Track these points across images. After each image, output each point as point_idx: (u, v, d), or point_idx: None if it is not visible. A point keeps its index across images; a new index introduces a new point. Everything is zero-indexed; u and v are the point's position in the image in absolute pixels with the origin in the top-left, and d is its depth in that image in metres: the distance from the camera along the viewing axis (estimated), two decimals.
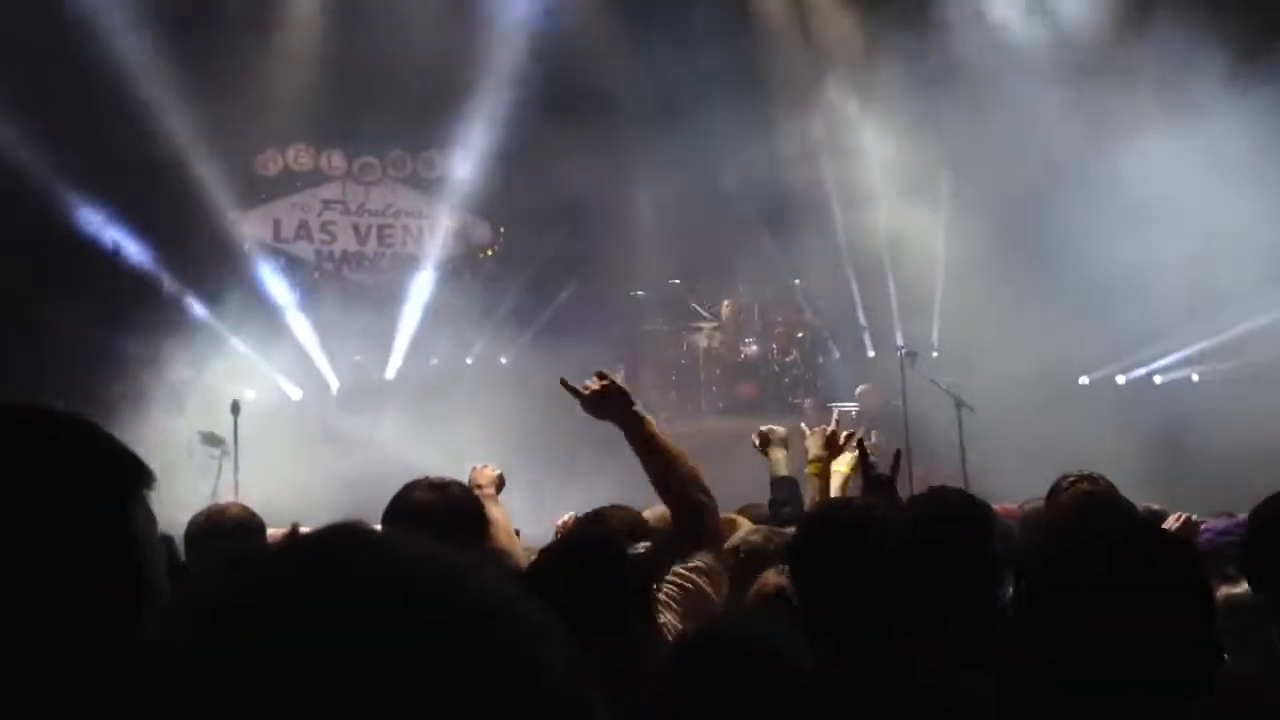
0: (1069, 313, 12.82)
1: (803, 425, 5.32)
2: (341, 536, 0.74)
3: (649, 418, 3.52)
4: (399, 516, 3.24)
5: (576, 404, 3.54)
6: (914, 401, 11.66)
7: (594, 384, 3.54)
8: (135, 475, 1.07)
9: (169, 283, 12.53)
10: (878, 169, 14.29)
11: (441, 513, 3.29)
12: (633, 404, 3.44)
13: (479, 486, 4.10)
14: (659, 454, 3.39)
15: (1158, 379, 13.82)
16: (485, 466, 4.35)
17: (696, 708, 1.92)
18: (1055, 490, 4.19)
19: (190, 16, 12.45)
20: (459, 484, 3.59)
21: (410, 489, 3.40)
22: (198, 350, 11.89)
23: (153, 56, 11.95)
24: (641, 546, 3.17)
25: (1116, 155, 12.84)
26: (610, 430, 3.51)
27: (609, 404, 3.38)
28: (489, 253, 14.65)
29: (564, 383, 3.55)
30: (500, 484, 4.30)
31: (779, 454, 4.88)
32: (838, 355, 14.10)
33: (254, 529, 3.79)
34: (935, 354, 14.11)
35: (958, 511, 3.12)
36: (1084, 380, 13.75)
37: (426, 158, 14.44)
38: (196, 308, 12.47)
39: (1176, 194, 12.07)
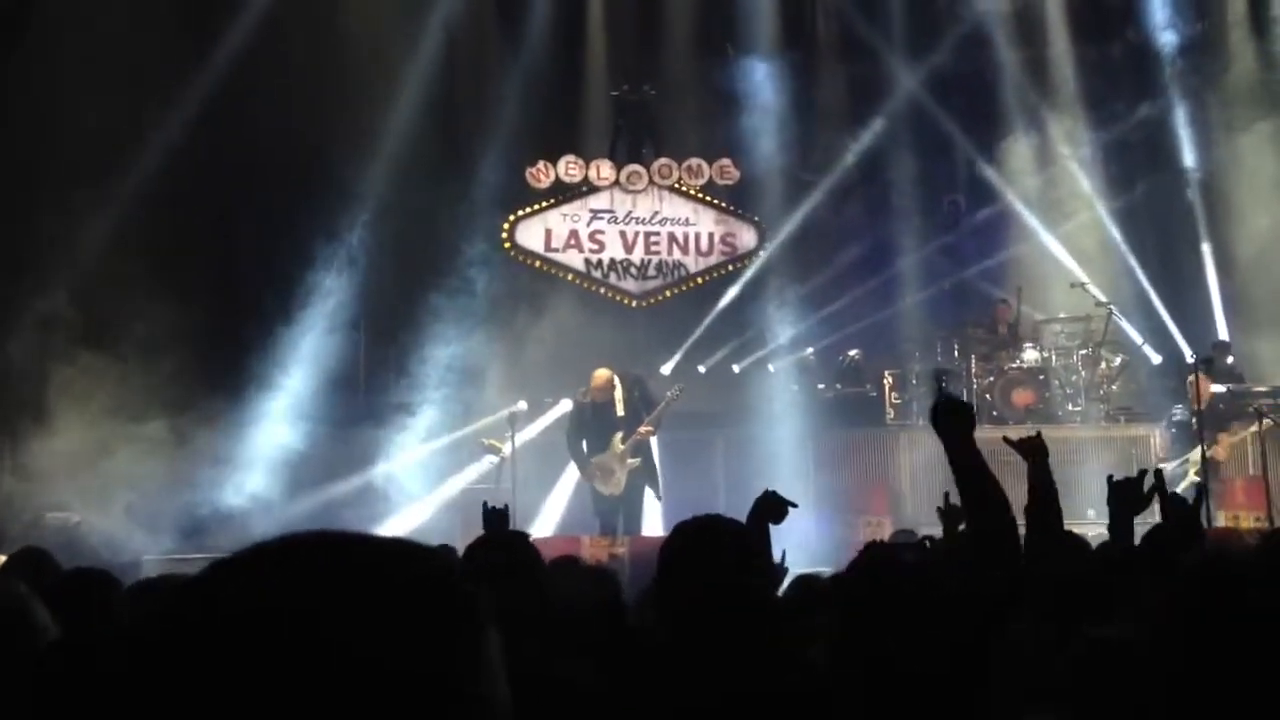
0: None
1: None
2: None
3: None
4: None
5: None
6: None
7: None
8: (484, 606, 0.94)
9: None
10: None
11: None
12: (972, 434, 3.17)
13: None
14: (978, 479, 3.15)
15: None
16: None
17: None
18: None
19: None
20: None
21: None
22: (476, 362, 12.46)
23: None
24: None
25: None
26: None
27: (954, 423, 3.12)
28: (755, 257, 14.58)
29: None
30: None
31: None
32: (1118, 362, 13.28)
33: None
34: (1230, 359, 13.16)
35: None
36: None
37: (720, 165, 14.65)
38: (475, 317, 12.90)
39: None
